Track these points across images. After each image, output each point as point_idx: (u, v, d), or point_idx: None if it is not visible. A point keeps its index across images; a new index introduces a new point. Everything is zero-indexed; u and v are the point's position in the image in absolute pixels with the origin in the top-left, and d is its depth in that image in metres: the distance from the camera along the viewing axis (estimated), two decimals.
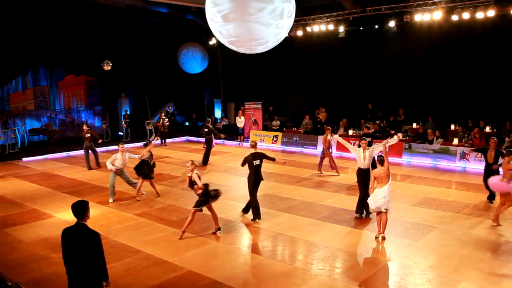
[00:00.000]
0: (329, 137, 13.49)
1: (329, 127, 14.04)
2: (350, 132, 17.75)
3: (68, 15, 19.15)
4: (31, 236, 8.58)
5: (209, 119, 16.82)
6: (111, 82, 22.46)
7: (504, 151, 9.31)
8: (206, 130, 15.43)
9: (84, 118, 22.40)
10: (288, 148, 18.98)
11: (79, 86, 22.62)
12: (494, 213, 8.87)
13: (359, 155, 9.20)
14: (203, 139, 16.25)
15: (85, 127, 15.09)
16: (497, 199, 9.13)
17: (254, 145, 9.59)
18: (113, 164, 10.80)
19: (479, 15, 14.49)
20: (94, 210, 9.96)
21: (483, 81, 16.39)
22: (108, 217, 9.67)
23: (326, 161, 13.77)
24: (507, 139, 14.91)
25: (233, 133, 21.45)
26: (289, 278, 6.65)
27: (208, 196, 8.28)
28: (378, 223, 8.09)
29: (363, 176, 9.23)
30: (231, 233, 8.68)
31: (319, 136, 18.42)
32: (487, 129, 15.89)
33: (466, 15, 14.75)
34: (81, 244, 4.59)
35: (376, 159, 8.33)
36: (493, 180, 9.06)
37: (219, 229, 8.52)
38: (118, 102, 23.52)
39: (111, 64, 19.81)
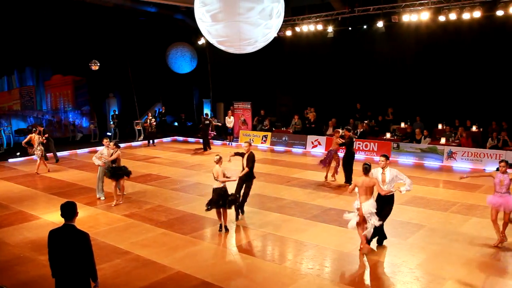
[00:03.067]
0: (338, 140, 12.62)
1: (338, 130, 13.44)
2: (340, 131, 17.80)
3: (55, 14, 18.92)
4: (17, 238, 8.47)
5: (208, 112, 20.32)
6: (99, 82, 22.26)
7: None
8: (206, 122, 18.59)
9: (71, 119, 22.19)
10: (278, 148, 19.02)
11: (66, 86, 22.38)
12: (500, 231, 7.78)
13: (378, 177, 7.50)
14: (193, 139, 16.73)
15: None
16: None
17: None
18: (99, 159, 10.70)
19: (466, 16, 14.66)
20: (83, 211, 9.83)
21: (470, 81, 16.57)
22: (96, 218, 9.58)
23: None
24: (489, 140, 15.10)
25: (223, 133, 21.44)
26: (279, 277, 6.65)
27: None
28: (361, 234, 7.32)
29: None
30: (220, 233, 8.65)
31: (308, 136, 18.49)
32: (474, 128, 16.08)
33: (452, 16, 14.91)
34: (70, 245, 4.54)
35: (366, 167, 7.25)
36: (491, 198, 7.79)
37: None
38: (106, 102, 23.33)
39: (99, 64, 19.63)
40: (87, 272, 4.61)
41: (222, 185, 8.38)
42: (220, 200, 8.37)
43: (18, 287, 6.50)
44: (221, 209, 8.50)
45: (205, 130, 18.57)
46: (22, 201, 11.03)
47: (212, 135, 19.53)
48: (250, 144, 9.60)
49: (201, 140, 19.01)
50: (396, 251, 7.51)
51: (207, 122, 18.79)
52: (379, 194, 7.42)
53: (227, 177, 8.44)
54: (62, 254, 4.53)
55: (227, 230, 8.61)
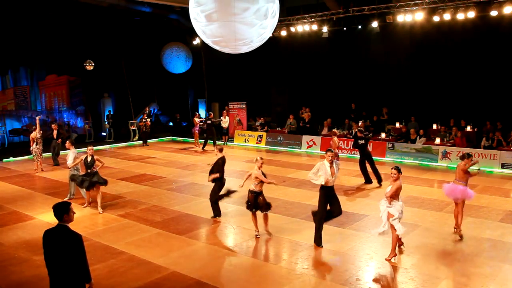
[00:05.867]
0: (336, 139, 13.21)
1: (335, 131, 14.30)
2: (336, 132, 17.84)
3: (50, 14, 18.84)
4: (11, 239, 8.43)
5: (211, 112, 20.53)
6: (94, 82, 22.17)
7: None
8: (209, 122, 18.79)
9: (66, 119, 22.10)
10: (273, 148, 19.03)
11: (61, 86, 22.29)
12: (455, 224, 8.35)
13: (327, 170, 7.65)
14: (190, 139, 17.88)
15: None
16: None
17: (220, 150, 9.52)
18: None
19: (460, 16, 14.72)
20: (78, 212, 9.79)
21: (465, 80, 16.65)
22: (91, 218, 9.55)
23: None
24: (484, 140, 15.17)
25: (218, 133, 21.39)
26: (274, 277, 6.66)
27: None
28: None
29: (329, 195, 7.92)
30: (215, 233, 8.66)
31: (303, 136, 18.51)
32: (468, 128, 16.16)
33: (447, 16, 14.97)
34: (63, 245, 4.52)
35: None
36: (448, 187, 8.54)
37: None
38: (101, 102, 23.23)
39: (93, 64, 19.57)
40: (80, 273, 4.60)
41: (258, 188, 8.20)
42: (258, 203, 8.24)
43: (12, 287, 6.47)
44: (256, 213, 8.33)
45: (209, 129, 18.82)
46: (17, 201, 10.98)
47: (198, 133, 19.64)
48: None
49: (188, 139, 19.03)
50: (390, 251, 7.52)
51: (213, 121, 19.07)
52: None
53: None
54: (55, 254, 4.52)
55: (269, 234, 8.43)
